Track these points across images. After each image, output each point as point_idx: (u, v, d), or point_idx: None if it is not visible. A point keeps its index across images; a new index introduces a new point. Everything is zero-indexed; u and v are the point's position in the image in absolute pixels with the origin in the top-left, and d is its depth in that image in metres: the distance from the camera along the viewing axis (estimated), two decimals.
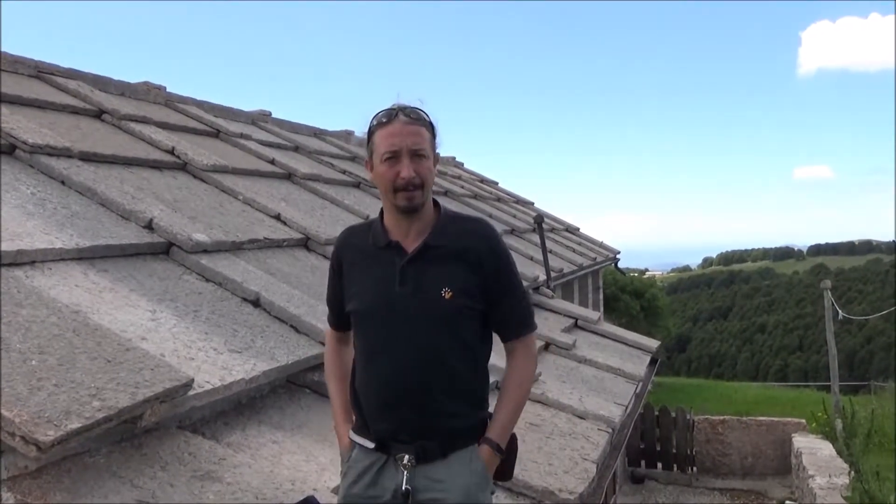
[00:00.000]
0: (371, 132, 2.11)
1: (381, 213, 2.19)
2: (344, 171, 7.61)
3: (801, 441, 10.44)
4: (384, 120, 2.08)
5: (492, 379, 4.17)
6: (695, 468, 11.49)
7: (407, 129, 2.05)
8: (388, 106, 2.11)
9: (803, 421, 11.40)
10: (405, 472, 2.03)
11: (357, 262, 2.18)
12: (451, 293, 2.04)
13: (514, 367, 2.20)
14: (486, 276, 2.09)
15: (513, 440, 2.18)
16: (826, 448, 9.91)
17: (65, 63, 5.76)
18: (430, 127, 2.12)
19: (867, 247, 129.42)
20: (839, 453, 9.66)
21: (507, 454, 2.16)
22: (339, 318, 2.27)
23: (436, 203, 2.19)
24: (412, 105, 2.10)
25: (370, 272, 2.14)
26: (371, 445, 2.10)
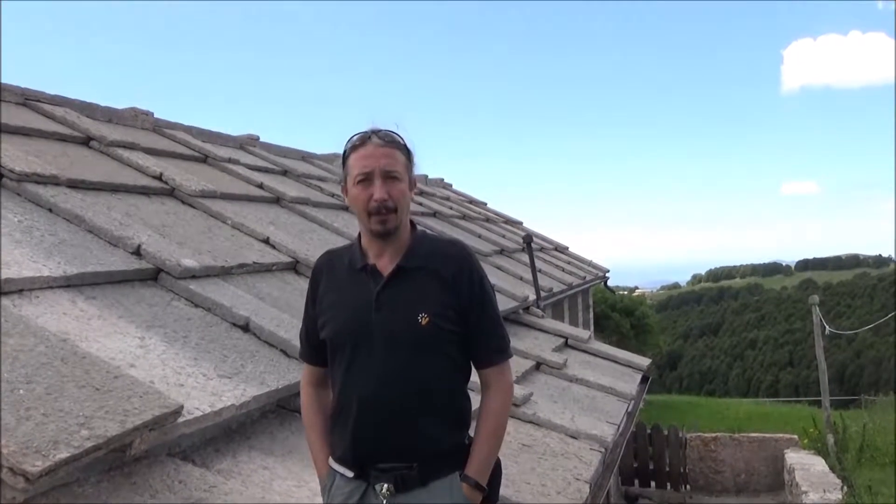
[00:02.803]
0: (345, 155, 2.11)
1: (360, 234, 2.18)
2: (332, 195, 7.61)
3: (793, 457, 10.44)
4: (357, 143, 2.08)
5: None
6: (688, 486, 11.47)
7: (380, 151, 2.05)
8: (363, 129, 2.10)
9: (795, 436, 11.41)
10: (384, 502, 2.01)
11: (332, 287, 2.16)
12: (427, 318, 2.02)
13: (489, 398, 2.14)
14: (460, 299, 2.07)
15: (495, 470, 2.13)
16: (818, 463, 9.91)
17: (50, 89, 5.78)
18: (406, 150, 2.11)
19: (854, 261, 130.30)
20: (832, 468, 9.66)
21: (490, 484, 2.10)
22: (317, 351, 2.20)
23: (413, 224, 2.19)
24: (387, 129, 2.10)
25: (345, 296, 2.12)
26: (350, 475, 2.07)
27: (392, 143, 2.08)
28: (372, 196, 2.03)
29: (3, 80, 5.36)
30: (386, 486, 2.01)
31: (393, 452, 2.02)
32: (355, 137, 2.09)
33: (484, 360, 2.16)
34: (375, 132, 2.08)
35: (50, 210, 3.70)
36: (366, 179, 2.04)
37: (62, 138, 5.04)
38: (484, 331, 2.13)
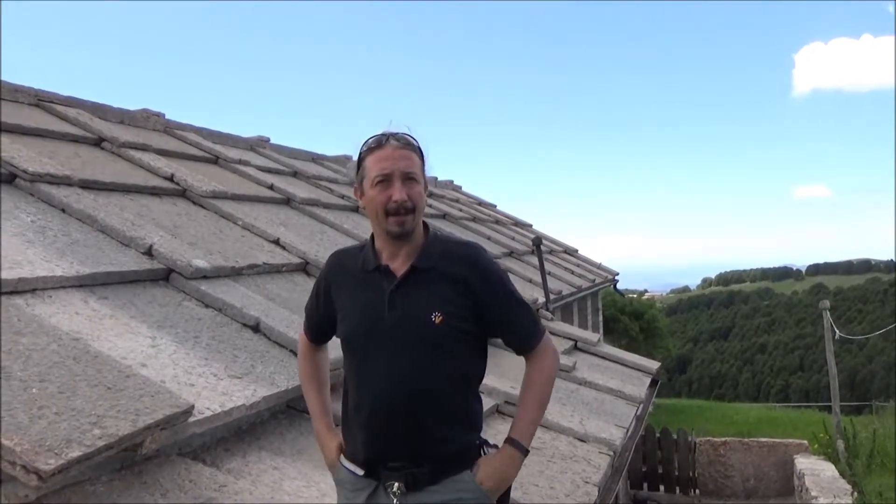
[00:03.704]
0: (361, 157, 2.12)
1: (373, 236, 2.19)
2: (342, 196, 7.63)
3: (803, 462, 10.40)
4: (375, 145, 2.09)
5: (491, 402, 4.17)
6: (697, 490, 11.43)
7: (398, 153, 2.07)
8: (378, 132, 2.12)
9: (805, 442, 11.37)
10: (395, 500, 2.02)
11: (345, 286, 2.17)
12: (441, 317, 2.03)
13: (532, 367, 2.19)
14: (479, 300, 2.08)
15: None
16: (828, 469, 9.87)
17: (63, 90, 5.83)
18: (420, 153, 2.13)
19: (866, 266, 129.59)
20: (842, 474, 9.63)
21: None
22: (317, 332, 2.31)
23: (425, 225, 2.19)
24: (402, 132, 2.12)
25: (358, 296, 2.13)
26: (360, 473, 2.08)
27: (408, 145, 2.10)
28: (391, 197, 2.04)
29: (17, 82, 5.41)
30: (397, 484, 2.02)
31: (403, 453, 2.03)
32: (372, 140, 2.10)
33: (521, 348, 2.20)
34: (392, 135, 2.09)
35: (63, 210, 3.73)
36: (385, 181, 2.05)
37: (75, 139, 5.08)
38: (513, 321, 2.17)
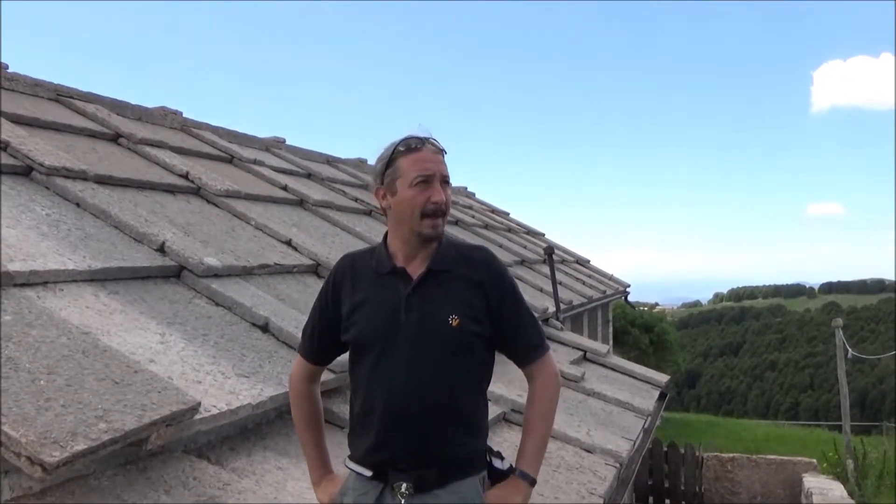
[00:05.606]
0: (393, 158, 2.10)
1: (384, 239, 2.19)
2: (356, 199, 7.65)
3: (811, 481, 10.30)
4: (409, 147, 2.09)
5: (498, 410, 4.16)
6: None
7: (436, 156, 2.09)
8: (403, 136, 2.12)
9: (814, 461, 11.27)
10: (402, 501, 2.01)
11: (357, 288, 2.15)
12: (457, 320, 2.03)
13: (534, 392, 2.18)
14: (490, 303, 2.09)
15: None
16: (837, 489, 9.77)
17: (83, 86, 5.85)
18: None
19: (879, 285, 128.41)
20: (850, 494, 9.53)
21: None
22: (321, 347, 2.24)
23: None
24: (429, 136, 2.12)
25: (373, 298, 2.11)
26: (368, 474, 2.07)
27: (441, 151, 2.12)
28: (430, 198, 2.04)
29: (38, 76, 5.46)
30: (405, 485, 2.00)
31: (415, 456, 2.02)
32: (405, 141, 2.10)
33: (524, 359, 2.18)
34: (426, 139, 2.10)
35: (77, 204, 3.75)
36: (425, 182, 2.05)
37: (92, 134, 5.11)
38: (519, 330, 2.16)
